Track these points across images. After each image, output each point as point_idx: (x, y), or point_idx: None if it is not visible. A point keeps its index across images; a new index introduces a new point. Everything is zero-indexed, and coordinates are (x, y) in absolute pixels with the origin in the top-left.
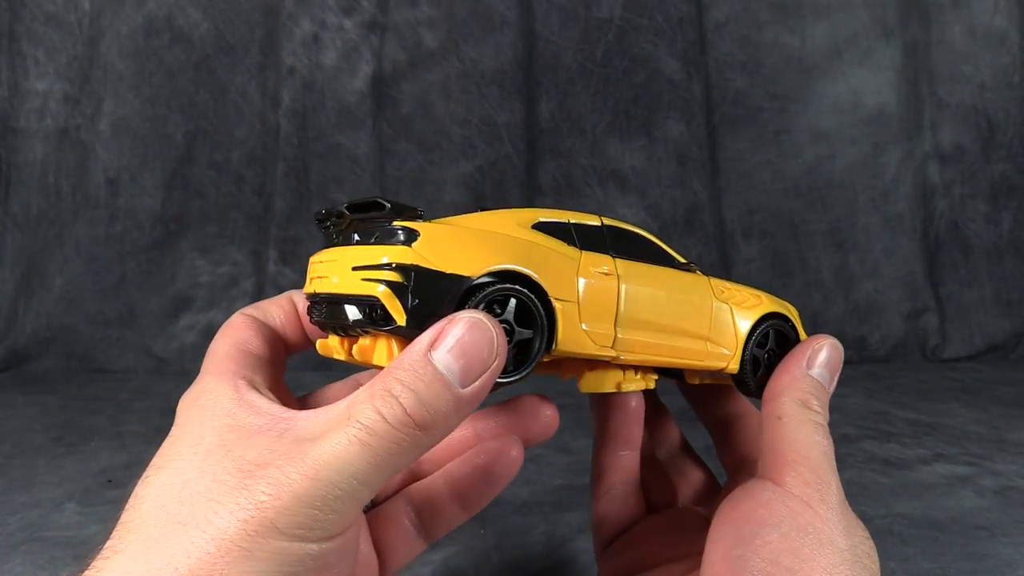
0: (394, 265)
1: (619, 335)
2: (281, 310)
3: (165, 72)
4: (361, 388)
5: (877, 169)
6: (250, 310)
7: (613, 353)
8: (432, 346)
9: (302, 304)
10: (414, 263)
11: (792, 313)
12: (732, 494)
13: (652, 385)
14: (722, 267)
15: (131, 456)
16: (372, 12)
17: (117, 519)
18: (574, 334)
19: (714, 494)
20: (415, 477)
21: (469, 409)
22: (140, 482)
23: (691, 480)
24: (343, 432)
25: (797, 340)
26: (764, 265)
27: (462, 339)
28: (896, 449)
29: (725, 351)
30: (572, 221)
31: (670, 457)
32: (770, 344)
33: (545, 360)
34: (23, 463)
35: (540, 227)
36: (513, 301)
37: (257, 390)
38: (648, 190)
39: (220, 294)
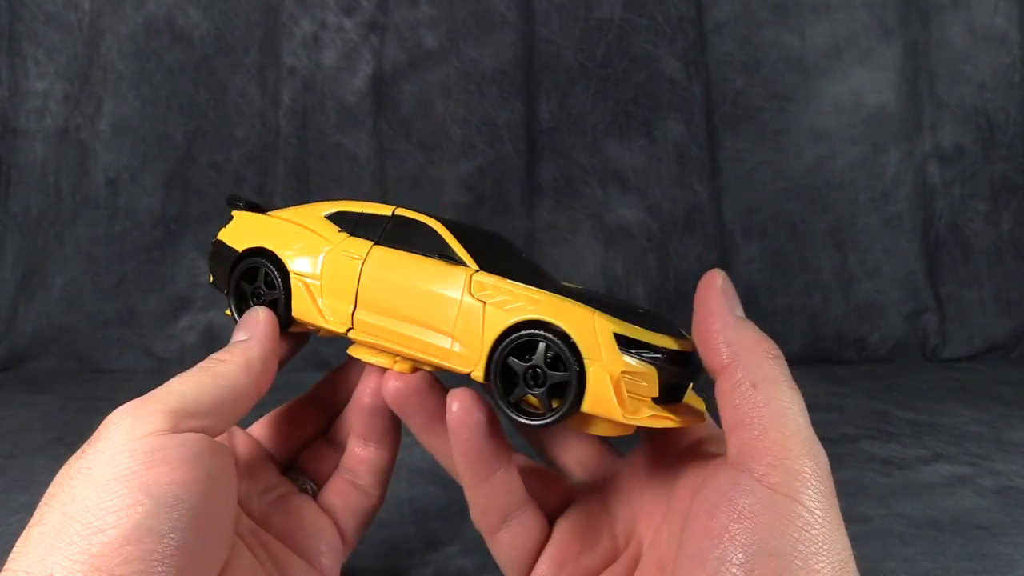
0: (213, 239)
1: (357, 315)
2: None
3: (165, 72)
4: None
5: (877, 169)
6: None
7: (343, 330)
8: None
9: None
10: (218, 239)
11: (589, 329)
12: (703, 496)
13: (407, 370)
14: (722, 267)
15: None
16: (372, 12)
17: None
18: (307, 306)
19: (604, 458)
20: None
21: (247, 359)
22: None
23: (574, 460)
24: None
25: (574, 362)
26: (764, 265)
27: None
28: (896, 449)
29: (469, 354)
30: (363, 211)
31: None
32: (536, 360)
33: (294, 330)
34: (23, 463)
35: (331, 217)
36: (263, 271)
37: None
38: (648, 190)
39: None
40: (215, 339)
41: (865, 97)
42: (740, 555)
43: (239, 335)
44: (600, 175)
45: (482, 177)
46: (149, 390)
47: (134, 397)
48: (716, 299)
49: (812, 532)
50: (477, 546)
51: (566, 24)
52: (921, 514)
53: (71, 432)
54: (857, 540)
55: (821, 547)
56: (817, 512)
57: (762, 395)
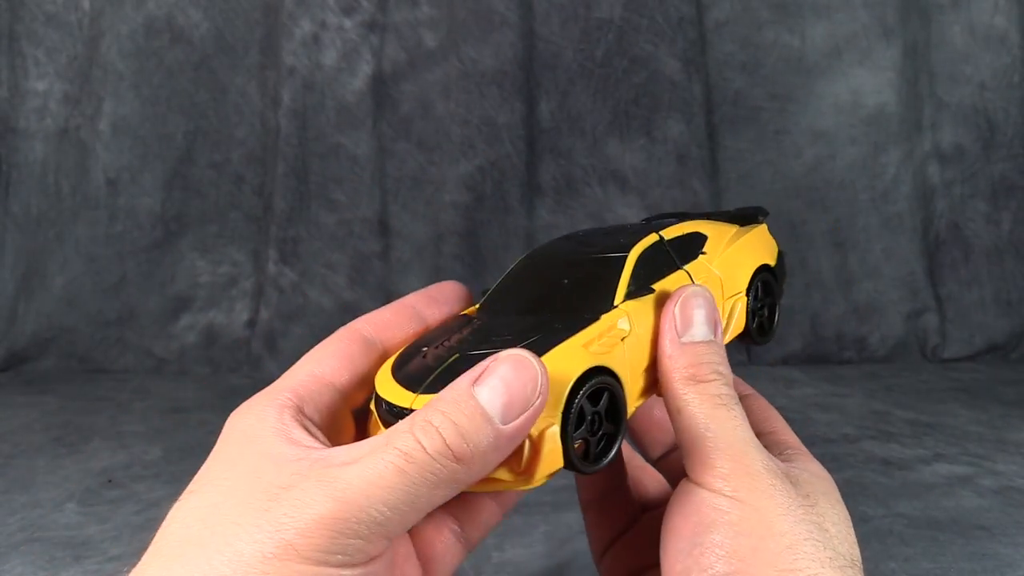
0: None
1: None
2: (400, 328)
3: (165, 72)
4: (401, 421)
5: (877, 169)
6: (363, 324)
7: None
8: (475, 381)
9: (427, 311)
10: None
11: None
12: (670, 503)
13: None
14: None
15: (131, 456)
16: (372, 12)
17: (117, 519)
18: None
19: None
20: None
21: (509, 447)
22: (175, 505)
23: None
24: (378, 457)
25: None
26: None
27: (506, 375)
28: (896, 449)
29: None
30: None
31: (664, 452)
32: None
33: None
34: (23, 463)
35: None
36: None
37: (304, 426)
38: (648, 190)
39: (220, 294)
40: (215, 339)
41: (865, 97)
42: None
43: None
44: (600, 175)
45: (482, 177)
46: (149, 390)
47: (134, 397)
48: (667, 322)
49: (775, 530)
50: (478, 546)
51: (566, 24)
52: (921, 514)
53: (71, 432)
54: (857, 540)
55: (780, 541)
56: (779, 509)
57: (688, 419)
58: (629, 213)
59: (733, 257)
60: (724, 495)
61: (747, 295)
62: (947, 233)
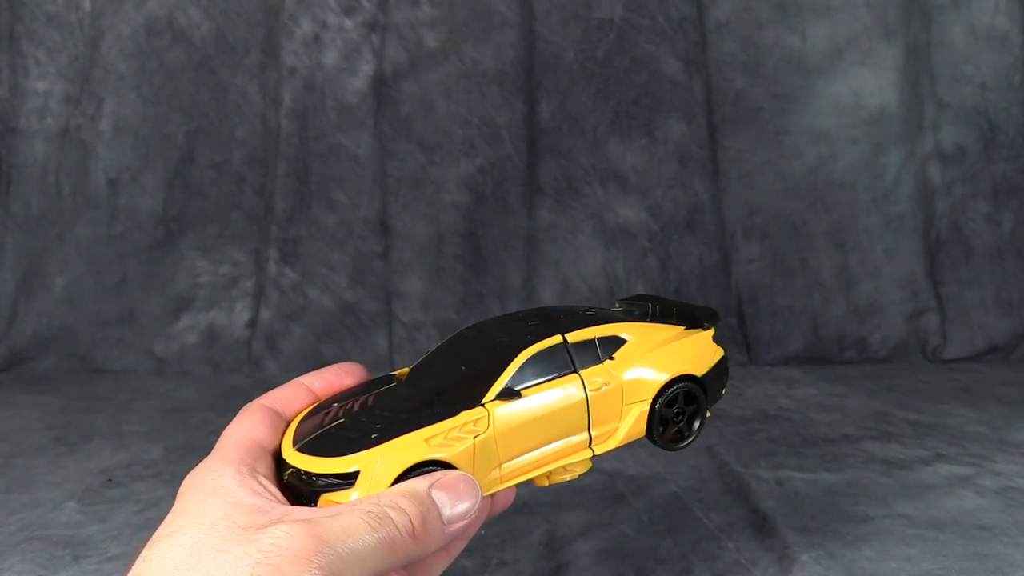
0: None
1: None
2: (298, 400)
3: (166, 72)
4: (375, 496)
5: (878, 169)
6: (267, 400)
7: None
8: (433, 486)
9: (318, 385)
10: None
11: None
12: None
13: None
14: (723, 268)
15: (132, 455)
16: (373, 12)
17: (116, 519)
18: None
19: None
20: None
21: (447, 542)
22: (147, 546)
23: None
24: (354, 512)
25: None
26: (765, 265)
27: (457, 489)
28: (897, 449)
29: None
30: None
31: None
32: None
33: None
34: (23, 463)
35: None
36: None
37: (257, 479)
38: (649, 190)
39: (221, 294)
40: (216, 339)
41: (866, 97)
42: None
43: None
44: (601, 175)
45: (483, 177)
46: (150, 390)
47: (135, 397)
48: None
49: None
50: (478, 546)
51: (567, 24)
52: (922, 514)
53: (72, 432)
54: (858, 540)
55: None
56: None
57: None
58: (630, 213)
59: (649, 364)
60: None
61: (653, 403)
62: (948, 233)
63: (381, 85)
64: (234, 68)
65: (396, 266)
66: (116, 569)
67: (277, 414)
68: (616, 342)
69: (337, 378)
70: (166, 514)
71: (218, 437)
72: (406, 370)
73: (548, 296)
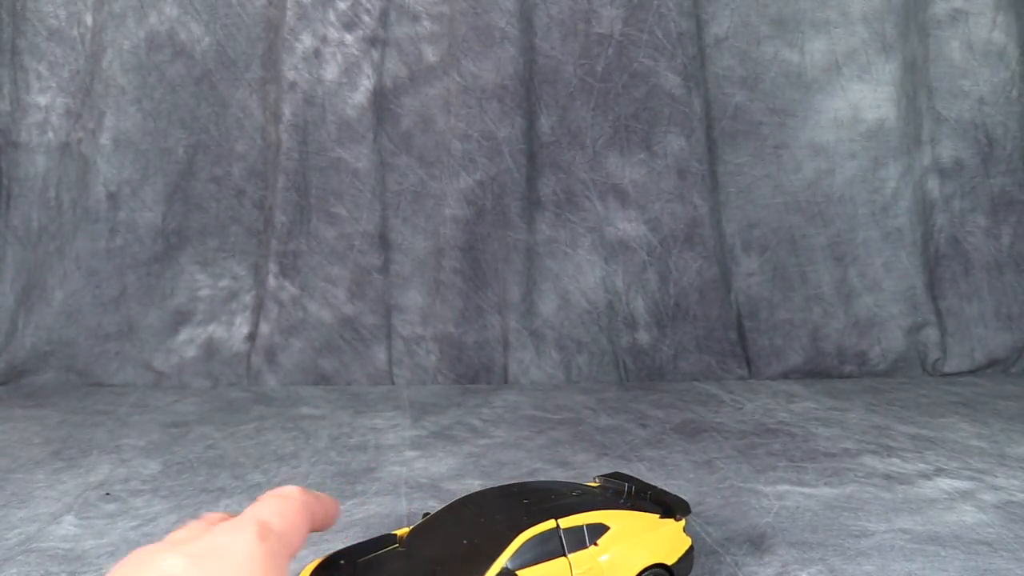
0: None
1: None
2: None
3: (167, 86)
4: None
5: (877, 183)
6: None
7: None
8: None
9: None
10: None
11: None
12: None
13: None
14: (722, 281)
15: (130, 470)
16: (373, 27)
17: (113, 534)
18: None
19: None
20: None
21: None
22: None
23: None
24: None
25: None
26: (764, 279)
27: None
28: (897, 464)
29: None
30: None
31: None
32: None
33: None
34: (22, 477)
35: None
36: None
37: None
38: (648, 204)
39: (220, 308)
40: (215, 353)
41: (864, 112)
42: None
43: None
44: (600, 189)
45: (483, 191)
46: (148, 404)
47: (133, 411)
48: None
49: None
50: None
51: (566, 39)
52: (923, 529)
53: (70, 446)
54: (858, 555)
55: None
56: None
57: None
58: (629, 227)
59: (627, 551)
60: None
61: None
62: (947, 247)
63: (381, 99)
64: (235, 82)
65: (396, 280)
66: None
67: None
68: (601, 528)
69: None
70: (163, 529)
71: (217, 452)
72: (406, 530)
73: (548, 310)
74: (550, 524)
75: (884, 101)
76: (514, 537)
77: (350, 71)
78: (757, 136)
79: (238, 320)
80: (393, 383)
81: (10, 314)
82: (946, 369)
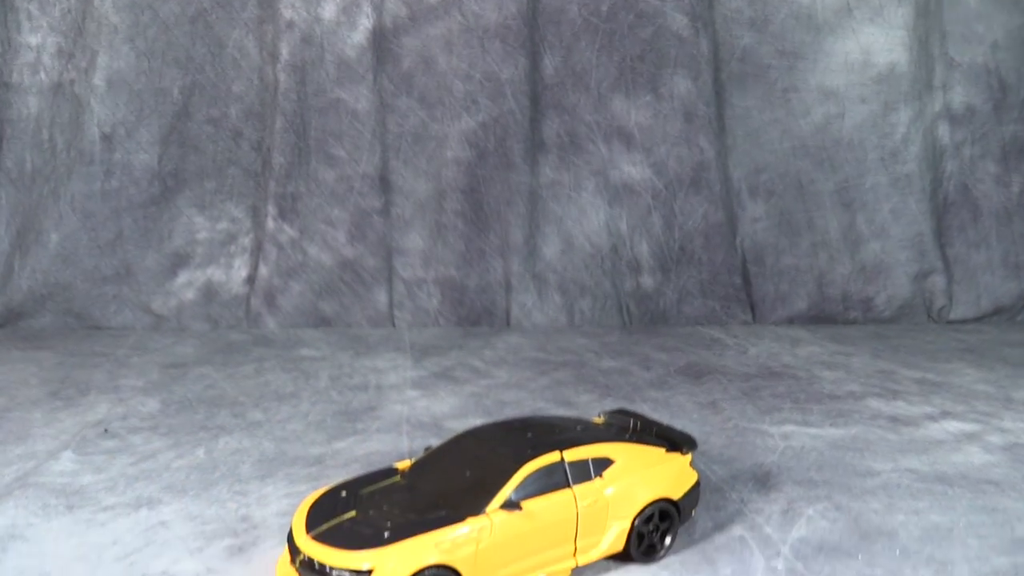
0: None
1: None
2: None
3: (160, 25)
4: None
5: (887, 128)
6: None
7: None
8: None
9: None
10: None
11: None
12: None
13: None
14: (728, 226)
15: (128, 408)
16: None
17: (112, 470)
18: None
19: None
20: None
21: None
22: None
23: None
24: None
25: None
26: (771, 224)
27: None
28: (902, 407)
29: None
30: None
31: None
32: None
33: None
34: (19, 415)
35: None
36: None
37: None
38: (654, 147)
39: (218, 250)
40: (214, 295)
41: (876, 56)
42: None
43: None
44: (605, 132)
45: (485, 133)
46: (147, 346)
47: (132, 352)
48: None
49: None
50: None
51: None
52: (929, 469)
53: (68, 386)
54: (864, 493)
55: None
56: None
57: None
58: (634, 170)
59: (633, 485)
60: None
61: (634, 520)
62: (956, 194)
63: (381, 39)
64: (230, 21)
65: (396, 222)
66: (110, 519)
67: None
68: (606, 462)
69: None
70: (162, 465)
71: (216, 392)
72: (408, 463)
73: (551, 253)
74: (555, 456)
75: (896, 45)
76: (518, 469)
77: (348, 10)
78: (765, 79)
79: (237, 263)
80: (394, 325)
81: (5, 257)
82: (952, 316)
